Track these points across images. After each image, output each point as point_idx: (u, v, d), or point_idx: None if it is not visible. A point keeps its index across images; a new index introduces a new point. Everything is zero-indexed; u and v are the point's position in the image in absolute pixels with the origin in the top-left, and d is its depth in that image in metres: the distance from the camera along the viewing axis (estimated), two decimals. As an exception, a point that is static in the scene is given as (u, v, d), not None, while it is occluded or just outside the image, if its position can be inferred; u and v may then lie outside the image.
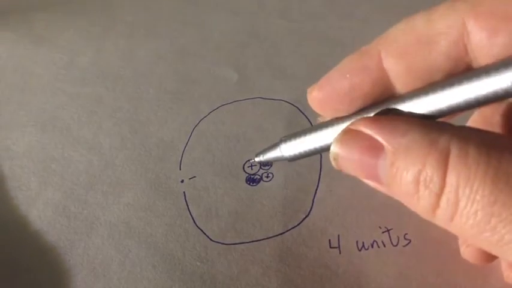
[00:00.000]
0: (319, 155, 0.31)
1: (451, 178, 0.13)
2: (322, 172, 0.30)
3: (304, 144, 0.19)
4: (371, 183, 0.17)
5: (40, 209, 0.31)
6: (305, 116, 0.34)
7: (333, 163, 0.18)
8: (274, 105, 0.35)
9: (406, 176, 0.14)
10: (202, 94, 0.36)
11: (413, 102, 0.16)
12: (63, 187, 0.32)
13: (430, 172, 0.14)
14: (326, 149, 0.18)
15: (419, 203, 0.15)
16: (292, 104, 0.35)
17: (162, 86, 0.37)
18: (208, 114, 0.35)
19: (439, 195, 0.14)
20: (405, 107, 0.16)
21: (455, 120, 0.16)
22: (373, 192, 0.28)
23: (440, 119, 0.16)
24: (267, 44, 0.40)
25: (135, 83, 0.38)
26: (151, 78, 0.38)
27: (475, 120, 0.23)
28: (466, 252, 0.24)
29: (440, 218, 0.14)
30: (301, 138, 0.19)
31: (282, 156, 0.21)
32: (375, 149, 0.15)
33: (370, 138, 0.16)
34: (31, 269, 0.28)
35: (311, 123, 0.33)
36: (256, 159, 0.22)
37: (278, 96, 0.35)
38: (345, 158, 0.17)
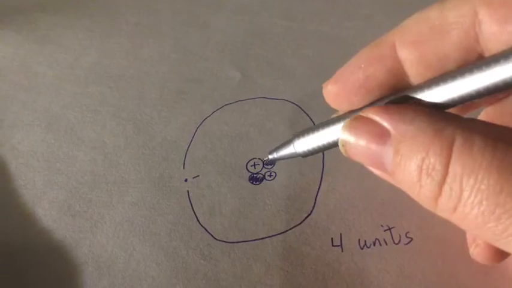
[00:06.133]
0: (321, 154, 0.31)
1: (455, 167, 0.13)
2: (324, 171, 0.30)
3: (318, 139, 0.19)
4: (377, 171, 0.17)
5: (45, 207, 0.31)
6: (307, 115, 0.34)
7: (341, 149, 0.18)
8: (277, 104, 0.35)
9: (409, 163, 0.14)
10: (206, 94, 0.37)
11: (425, 92, 0.16)
12: (68, 186, 0.32)
13: (433, 160, 0.14)
14: None
15: (421, 192, 0.14)
16: (295, 104, 0.35)
17: (165, 85, 0.38)
18: (212, 113, 0.35)
19: (441, 184, 0.14)
20: (417, 97, 0.16)
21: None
22: (375, 190, 0.29)
23: (451, 110, 0.16)
24: (270, 44, 0.40)
25: (138, 82, 0.38)
26: (154, 78, 0.38)
27: (481, 118, 0.23)
28: (475, 253, 0.23)
29: (443, 208, 0.14)
30: (315, 133, 0.19)
31: (295, 152, 0.20)
32: (382, 135, 0.15)
33: (378, 125, 0.16)
34: (36, 267, 0.28)
35: (313, 123, 0.33)
36: (270, 156, 0.22)
37: (281, 95, 0.36)
38: (353, 144, 0.17)
